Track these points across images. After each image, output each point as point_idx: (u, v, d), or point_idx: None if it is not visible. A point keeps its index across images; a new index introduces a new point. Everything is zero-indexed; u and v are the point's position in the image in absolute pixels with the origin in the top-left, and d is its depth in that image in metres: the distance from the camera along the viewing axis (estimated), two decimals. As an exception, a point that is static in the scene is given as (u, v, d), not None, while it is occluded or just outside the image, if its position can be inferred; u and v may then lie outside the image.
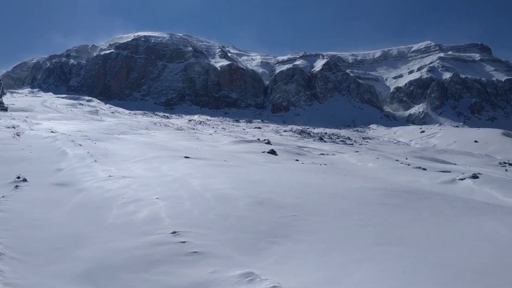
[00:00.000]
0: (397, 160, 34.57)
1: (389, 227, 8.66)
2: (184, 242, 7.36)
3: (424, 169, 27.44)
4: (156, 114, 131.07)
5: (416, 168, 27.89)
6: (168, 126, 71.33)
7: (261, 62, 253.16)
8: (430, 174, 23.17)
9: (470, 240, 7.73)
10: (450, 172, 27.54)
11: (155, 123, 70.97)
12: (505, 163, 71.54)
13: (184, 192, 11.31)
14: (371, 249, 7.41)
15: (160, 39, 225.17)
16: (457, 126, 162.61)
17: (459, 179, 20.21)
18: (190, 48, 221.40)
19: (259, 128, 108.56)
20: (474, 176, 20.14)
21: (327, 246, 7.62)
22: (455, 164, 48.95)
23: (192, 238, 7.62)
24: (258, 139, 49.59)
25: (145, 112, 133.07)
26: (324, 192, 11.73)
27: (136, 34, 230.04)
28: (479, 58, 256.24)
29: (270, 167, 19.88)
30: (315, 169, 20.86)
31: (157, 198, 10.40)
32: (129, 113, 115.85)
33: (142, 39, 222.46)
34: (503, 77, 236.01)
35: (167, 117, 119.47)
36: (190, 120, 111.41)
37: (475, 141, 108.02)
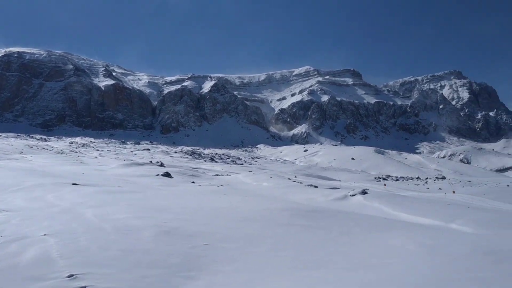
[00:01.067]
0: (289, 179, 35.80)
1: (304, 249, 8.50)
2: (84, 287, 6.29)
3: (315, 186, 28.68)
4: (32, 136, 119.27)
5: (308, 185, 29.03)
6: (47, 149, 65.10)
7: (149, 82, 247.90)
8: (323, 192, 24.13)
9: (384, 258, 7.87)
10: (339, 188, 29.17)
11: (31, 147, 64.22)
12: (380, 177, 78.59)
13: (77, 225, 9.94)
14: (293, 274, 7.11)
15: (36, 55, 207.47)
16: (336, 145, 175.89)
17: (350, 195, 21.36)
18: (71, 66, 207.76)
19: (148, 149, 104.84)
20: (364, 192, 21.51)
21: (247, 276, 7.14)
22: (339, 180, 52.32)
23: (93, 280, 6.53)
24: (151, 161, 47.64)
25: (19, 134, 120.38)
26: (232, 215, 11.29)
27: (7, 49, 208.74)
28: (352, 82, 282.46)
29: (169, 191, 18.89)
30: (215, 191, 20.37)
31: (45, 234, 8.94)
32: (0, 135, 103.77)
33: (15, 55, 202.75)
34: (372, 100, 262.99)
35: (45, 140, 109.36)
36: (72, 143, 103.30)
37: (352, 158, 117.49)
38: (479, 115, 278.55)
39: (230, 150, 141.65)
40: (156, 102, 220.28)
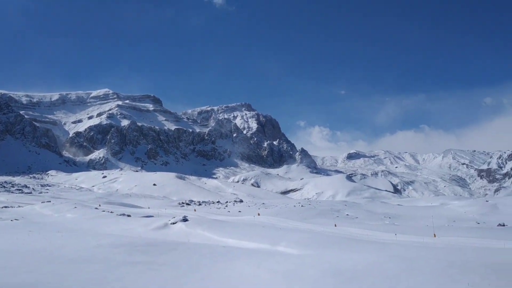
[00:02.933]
0: (96, 208, 32.81)
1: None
2: None
3: (128, 215, 26.97)
4: None
5: (120, 215, 27.10)
6: None
7: None
8: (140, 221, 22.85)
9: (245, 285, 7.65)
10: (153, 216, 28.10)
11: None
12: (183, 203, 79.37)
13: None
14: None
15: None
16: (137, 171, 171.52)
17: (171, 223, 20.73)
18: None
19: None
20: (184, 219, 21.14)
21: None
22: (148, 207, 50.74)
23: None
24: None
25: None
26: (59, 257, 9.47)
27: None
28: (152, 108, 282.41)
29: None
30: (14, 226, 17.02)
31: None
32: None
33: None
34: (172, 126, 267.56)
35: None
36: None
37: (154, 184, 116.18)
38: (265, 144, 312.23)
39: (14, 177, 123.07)
40: None
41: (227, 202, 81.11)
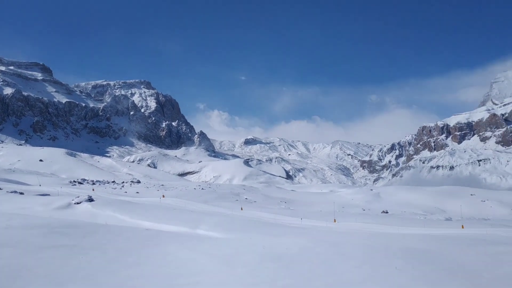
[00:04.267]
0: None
1: (88, 281, 7.03)
2: None
3: (21, 193, 24.47)
4: None
5: (12, 192, 24.44)
6: None
7: None
8: (37, 200, 20.85)
9: (190, 276, 7.44)
10: (49, 195, 25.88)
11: None
12: (75, 181, 74.67)
13: None
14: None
15: None
16: (20, 144, 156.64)
17: (75, 203, 19.25)
18: None
19: None
20: (90, 199, 19.75)
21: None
22: (40, 185, 46.68)
23: None
24: None
25: None
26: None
27: None
28: (41, 77, 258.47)
29: None
30: None
31: None
32: None
33: None
34: (63, 99, 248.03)
35: None
36: None
37: (40, 160, 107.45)
38: (164, 124, 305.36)
39: None
40: None
41: (123, 182, 78.05)
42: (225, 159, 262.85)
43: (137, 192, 57.63)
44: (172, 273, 7.52)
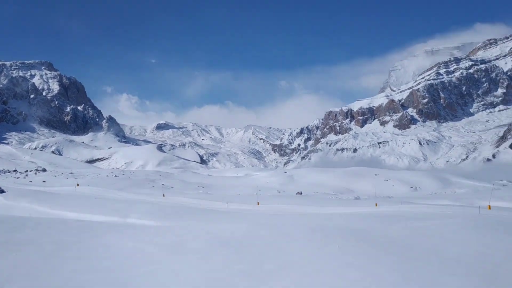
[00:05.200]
0: None
1: (28, 280, 6.59)
2: None
3: None
4: None
5: None
6: None
7: None
8: None
9: (141, 266, 7.26)
10: None
11: None
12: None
13: None
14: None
15: None
16: None
17: (-18, 196, 17.48)
18: None
19: None
20: (1, 191, 18.02)
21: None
22: None
23: None
24: None
25: None
26: None
27: None
28: None
29: None
30: None
31: None
32: None
33: None
34: None
35: None
36: None
37: None
38: (69, 108, 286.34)
39: None
40: None
41: (27, 171, 72.45)
42: (137, 144, 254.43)
43: (44, 181, 54.04)
44: (121, 264, 7.30)
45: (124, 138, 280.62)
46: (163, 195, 32.40)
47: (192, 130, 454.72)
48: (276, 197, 39.25)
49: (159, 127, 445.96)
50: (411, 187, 62.64)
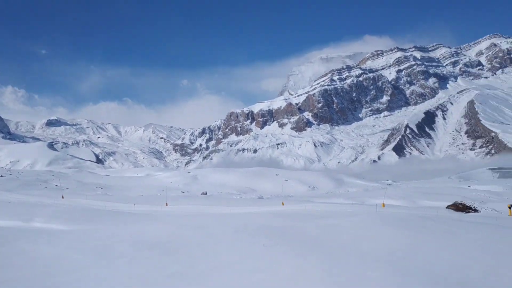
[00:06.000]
0: None
1: None
2: None
3: None
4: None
5: None
6: None
7: None
8: None
9: (60, 269, 6.89)
10: None
11: None
12: None
13: None
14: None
15: None
16: None
17: None
18: None
19: None
20: None
21: None
22: None
23: None
24: None
25: None
26: None
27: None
28: None
29: None
30: None
31: None
32: None
33: None
34: None
35: None
36: None
37: None
38: None
39: None
40: None
41: None
42: (24, 141, 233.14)
43: None
44: (43, 273, 6.85)
45: (9, 134, 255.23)
46: (62, 197, 30.27)
47: (87, 127, 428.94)
48: (182, 197, 38.95)
49: (50, 123, 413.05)
50: (309, 187, 66.20)
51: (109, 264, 7.34)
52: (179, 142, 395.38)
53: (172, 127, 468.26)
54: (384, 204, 21.76)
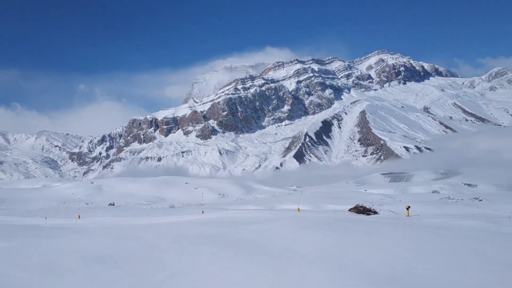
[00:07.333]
0: None
1: None
2: None
3: None
4: None
5: None
6: None
7: None
8: None
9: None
10: None
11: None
12: None
13: None
14: None
15: None
16: None
17: None
18: None
19: None
20: None
21: None
22: None
23: None
24: None
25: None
26: None
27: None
28: None
29: None
30: None
31: None
32: None
33: None
34: None
35: None
36: None
37: None
38: None
39: None
40: None
41: None
42: None
43: None
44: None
45: None
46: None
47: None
48: (90, 209, 37.35)
49: None
50: (219, 194, 66.95)
51: (59, 280, 7.22)
52: (76, 150, 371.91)
53: (68, 134, 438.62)
54: (299, 209, 23.23)
